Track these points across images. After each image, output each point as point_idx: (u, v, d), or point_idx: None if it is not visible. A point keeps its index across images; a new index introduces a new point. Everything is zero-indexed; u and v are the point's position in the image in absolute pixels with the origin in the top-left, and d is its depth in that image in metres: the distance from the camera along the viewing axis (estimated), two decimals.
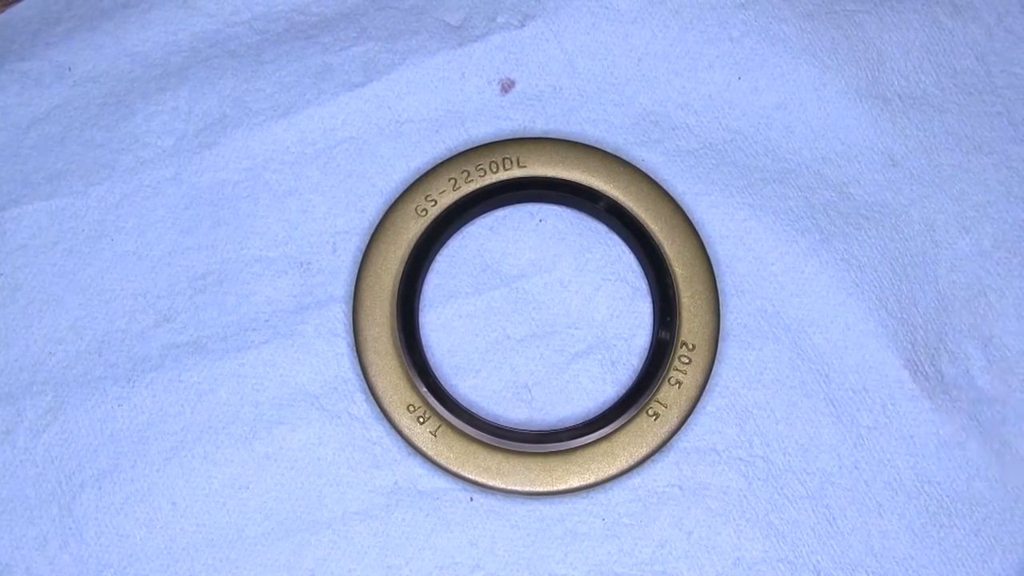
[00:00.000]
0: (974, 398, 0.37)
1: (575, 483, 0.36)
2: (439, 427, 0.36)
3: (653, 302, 0.38)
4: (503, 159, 0.38)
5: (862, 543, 0.36)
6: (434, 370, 0.37)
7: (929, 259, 0.38)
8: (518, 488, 0.36)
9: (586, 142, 0.38)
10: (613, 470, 0.36)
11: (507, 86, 0.39)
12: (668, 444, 0.36)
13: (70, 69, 0.39)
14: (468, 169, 0.38)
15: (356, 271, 0.38)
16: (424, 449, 0.36)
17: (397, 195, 0.38)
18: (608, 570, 0.36)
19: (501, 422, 0.37)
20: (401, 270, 0.37)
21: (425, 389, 0.36)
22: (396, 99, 0.39)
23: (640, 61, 0.39)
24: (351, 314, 0.37)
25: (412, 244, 0.37)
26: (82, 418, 0.37)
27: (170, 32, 0.39)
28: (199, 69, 0.39)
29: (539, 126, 0.39)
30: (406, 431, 0.36)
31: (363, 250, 0.38)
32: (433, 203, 0.38)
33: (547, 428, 0.37)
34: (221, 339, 0.37)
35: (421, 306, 0.38)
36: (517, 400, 0.37)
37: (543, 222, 0.39)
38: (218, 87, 0.39)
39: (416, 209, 0.38)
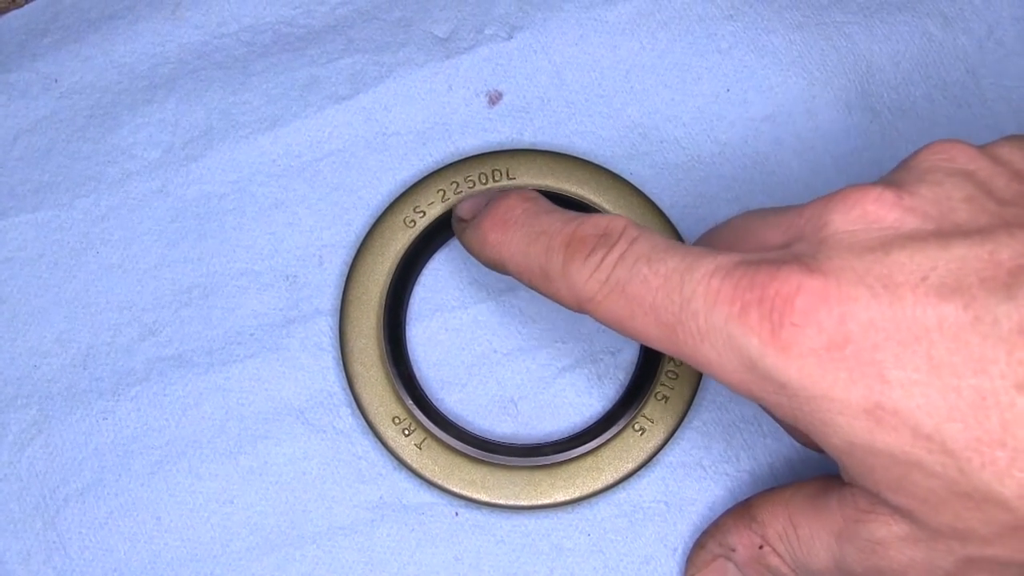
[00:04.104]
0: None
1: (560, 497, 0.36)
2: (424, 440, 0.36)
3: None
4: (492, 171, 0.38)
5: None
6: (420, 383, 0.37)
7: None
8: (503, 502, 0.36)
9: (574, 154, 0.38)
10: (599, 485, 0.36)
11: (495, 98, 0.39)
12: (654, 459, 0.36)
13: (56, 80, 0.39)
14: (457, 180, 0.38)
15: (343, 284, 0.37)
16: (409, 462, 0.36)
17: (384, 208, 0.38)
18: None
19: (487, 436, 0.37)
20: (388, 282, 0.37)
21: (411, 402, 0.36)
22: (383, 111, 0.39)
23: (628, 73, 0.39)
24: (337, 326, 0.37)
25: (400, 256, 0.37)
26: (66, 432, 0.37)
27: (157, 43, 0.39)
28: (186, 81, 0.39)
29: (526, 138, 0.39)
30: (391, 443, 0.36)
31: (350, 263, 0.38)
32: (422, 214, 0.37)
33: (533, 442, 0.37)
34: (206, 353, 0.37)
35: (408, 319, 0.38)
36: (503, 414, 0.37)
37: None
38: (205, 99, 0.39)
39: (404, 220, 0.37)
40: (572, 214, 0.30)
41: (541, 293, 0.30)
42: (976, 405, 0.24)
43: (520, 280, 0.31)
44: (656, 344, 0.28)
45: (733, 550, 0.32)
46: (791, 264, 0.25)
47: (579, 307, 0.29)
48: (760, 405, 0.33)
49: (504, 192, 0.33)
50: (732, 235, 0.30)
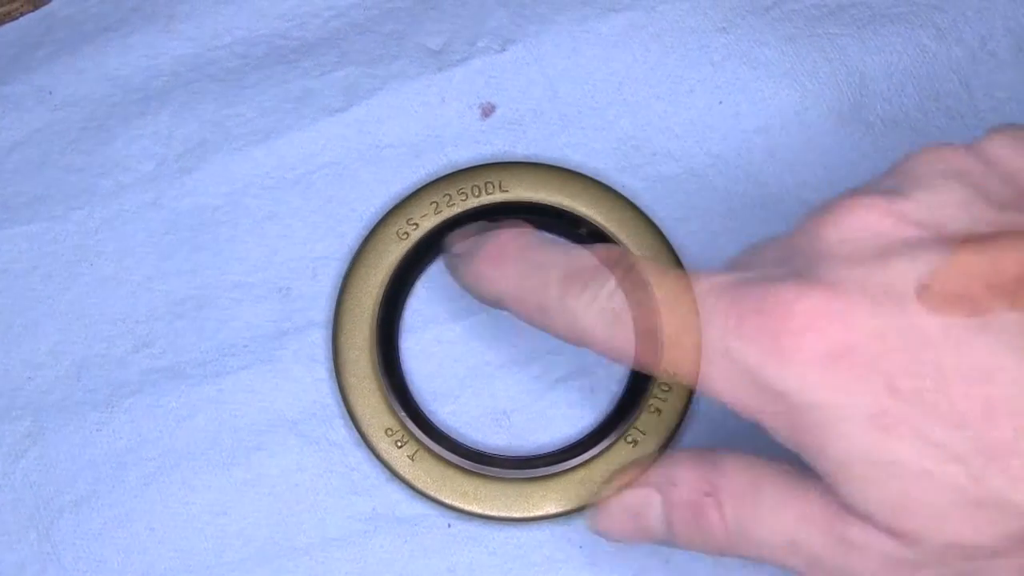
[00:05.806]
0: None
1: (553, 509, 0.36)
2: (417, 451, 0.36)
3: None
4: (485, 183, 0.38)
5: None
6: (413, 395, 0.37)
7: None
8: (496, 513, 0.36)
9: (567, 167, 0.38)
10: (591, 497, 0.36)
11: (487, 110, 0.39)
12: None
13: (51, 93, 0.39)
14: (450, 193, 0.38)
15: (336, 296, 0.38)
16: (402, 473, 0.36)
17: (377, 220, 0.38)
18: None
19: (480, 448, 0.37)
20: (381, 294, 0.37)
21: (404, 413, 0.36)
22: (376, 124, 0.39)
23: (621, 85, 0.39)
24: (331, 338, 0.37)
25: (393, 268, 0.37)
26: (60, 443, 0.37)
27: (151, 56, 0.40)
28: (180, 93, 0.39)
29: (520, 151, 0.39)
30: (384, 455, 0.36)
31: (343, 275, 0.38)
32: (415, 227, 0.38)
33: (526, 454, 0.37)
34: (200, 364, 0.37)
35: (401, 331, 0.38)
36: (496, 426, 0.37)
37: None
38: (198, 111, 0.39)
39: (398, 233, 0.38)
40: (569, 245, 0.30)
41: (539, 328, 0.30)
42: (986, 412, 0.23)
43: (518, 316, 0.31)
44: (657, 370, 0.28)
45: (674, 485, 0.29)
46: (788, 279, 0.25)
47: (578, 341, 0.29)
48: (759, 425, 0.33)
49: (498, 226, 0.32)
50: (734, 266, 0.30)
